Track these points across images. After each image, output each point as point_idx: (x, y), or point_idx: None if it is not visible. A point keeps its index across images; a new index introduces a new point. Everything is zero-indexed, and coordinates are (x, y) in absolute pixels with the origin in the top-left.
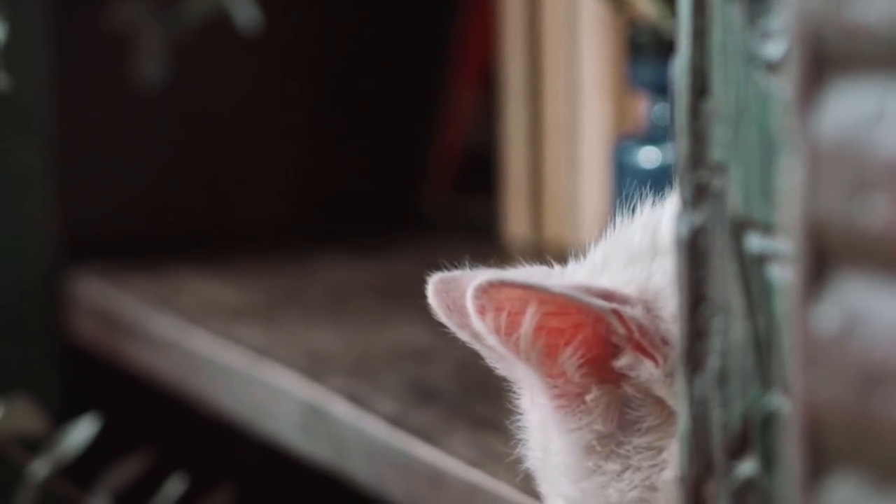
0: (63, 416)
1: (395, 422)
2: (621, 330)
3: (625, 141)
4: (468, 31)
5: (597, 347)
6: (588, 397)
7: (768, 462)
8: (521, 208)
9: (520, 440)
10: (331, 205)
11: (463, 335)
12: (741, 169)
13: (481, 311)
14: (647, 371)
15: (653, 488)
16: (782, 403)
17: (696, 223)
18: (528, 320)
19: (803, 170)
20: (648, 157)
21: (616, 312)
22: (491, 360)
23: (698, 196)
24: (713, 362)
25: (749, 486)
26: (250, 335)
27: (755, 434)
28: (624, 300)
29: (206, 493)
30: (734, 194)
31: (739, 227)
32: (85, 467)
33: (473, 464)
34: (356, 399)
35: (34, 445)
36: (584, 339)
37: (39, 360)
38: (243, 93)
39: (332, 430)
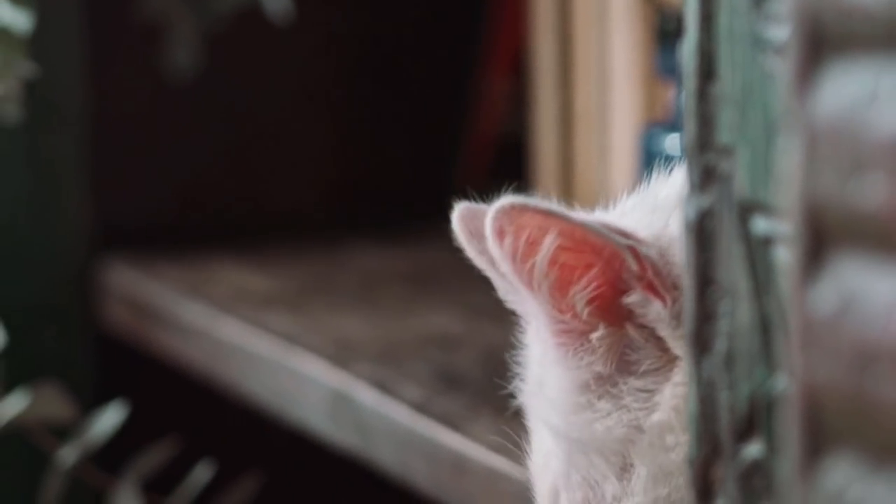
0: (96, 404)
1: (420, 408)
2: (635, 267)
3: (653, 128)
4: (500, 20)
5: (607, 286)
6: (593, 336)
7: (774, 445)
8: (551, 195)
9: (517, 374)
10: (362, 193)
11: (480, 262)
12: (748, 152)
13: (499, 235)
14: (656, 311)
15: (639, 429)
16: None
17: (703, 206)
18: (546, 248)
19: (801, 151)
20: (676, 143)
21: (632, 249)
22: (502, 291)
23: (706, 179)
24: (720, 345)
25: (755, 468)
26: (279, 323)
27: (761, 416)
28: (640, 240)
29: (235, 479)
30: (741, 177)
31: (746, 210)
32: (118, 454)
33: (496, 450)
34: (382, 386)
35: (63, 432)
36: (595, 275)
37: (73, 348)
38: (275, 82)
39: (358, 416)
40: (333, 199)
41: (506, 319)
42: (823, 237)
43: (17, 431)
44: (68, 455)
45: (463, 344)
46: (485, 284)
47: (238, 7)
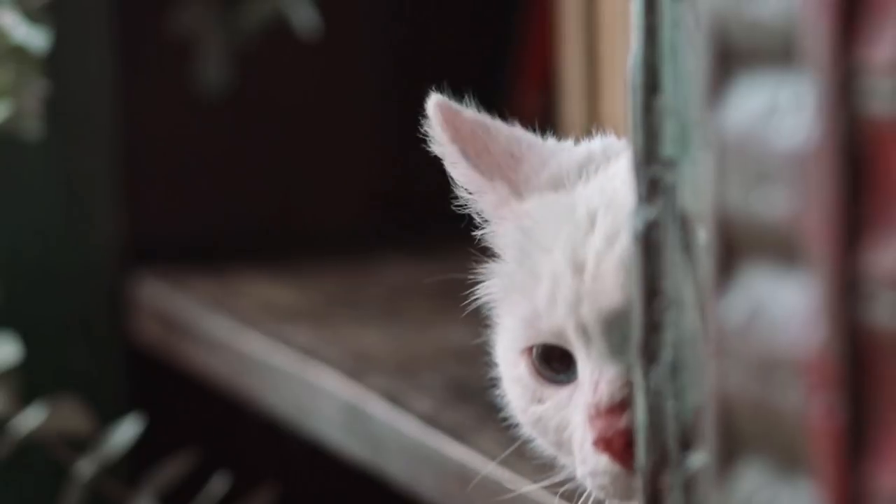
0: (124, 417)
1: (430, 420)
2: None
3: None
4: (530, 37)
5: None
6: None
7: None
8: None
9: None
10: (393, 207)
11: (449, 152)
12: (689, 164)
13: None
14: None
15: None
16: (703, 394)
17: (650, 217)
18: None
19: (712, 163)
20: None
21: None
22: (465, 192)
23: (652, 191)
24: (667, 355)
25: (699, 477)
26: (300, 336)
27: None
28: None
29: (252, 490)
30: (683, 189)
31: (689, 222)
32: (144, 465)
33: (502, 462)
34: (394, 398)
35: (83, 445)
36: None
37: (103, 362)
38: (305, 96)
39: (370, 428)
40: (364, 212)
41: None
42: (733, 247)
43: (36, 444)
44: (86, 467)
45: (480, 357)
46: None
47: (266, 23)
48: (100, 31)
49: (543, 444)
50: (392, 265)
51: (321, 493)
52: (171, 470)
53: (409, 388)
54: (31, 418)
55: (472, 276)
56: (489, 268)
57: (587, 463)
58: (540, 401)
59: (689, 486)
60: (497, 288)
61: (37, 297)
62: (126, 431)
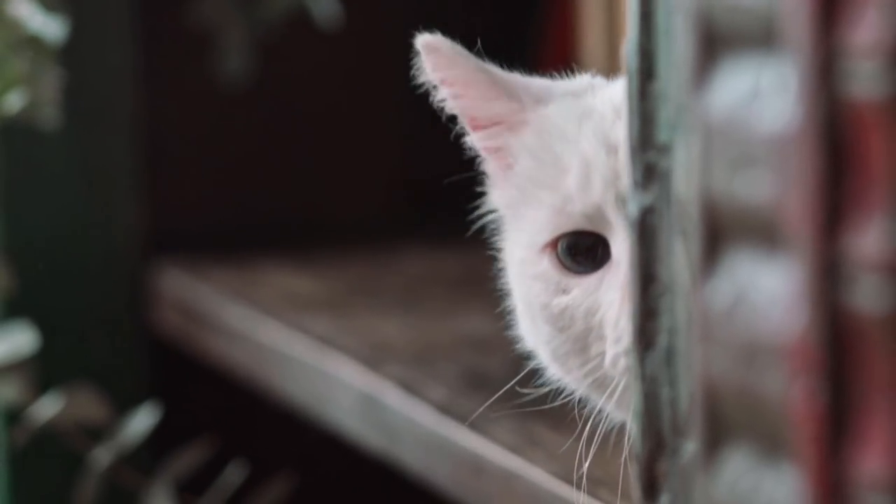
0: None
1: (443, 409)
2: None
3: None
4: (552, 26)
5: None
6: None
7: None
8: None
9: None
10: (414, 196)
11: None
12: (684, 149)
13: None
14: None
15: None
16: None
17: (645, 203)
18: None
19: (697, 146)
20: None
21: None
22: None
23: (647, 177)
24: (662, 341)
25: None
26: (319, 326)
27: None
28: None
29: (269, 480)
30: (678, 174)
31: (683, 207)
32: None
33: (514, 450)
34: (409, 387)
35: (100, 434)
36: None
37: (123, 352)
38: (326, 86)
39: (386, 417)
40: (384, 202)
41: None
42: (718, 232)
43: (53, 433)
44: (103, 456)
45: (497, 346)
46: None
47: (287, 13)
48: (120, 21)
49: (562, 344)
50: (412, 255)
51: (337, 483)
52: (188, 459)
53: (425, 378)
54: (49, 407)
55: (491, 266)
56: (492, 188)
57: (622, 340)
58: (565, 291)
59: (684, 474)
60: (507, 198)
61: (57, 287)
62: (143, 420)
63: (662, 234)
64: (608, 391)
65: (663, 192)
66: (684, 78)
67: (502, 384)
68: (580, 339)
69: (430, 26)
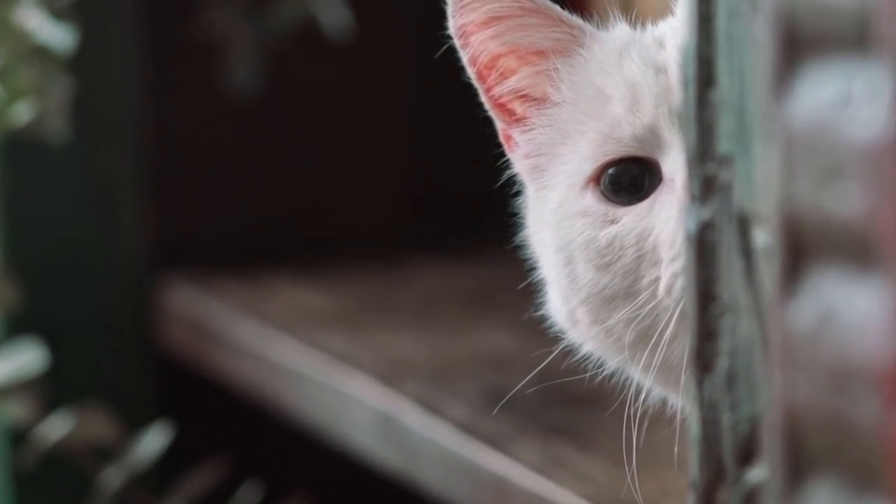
0: (152, 426)
1: (465, 429)
2: None
3: None
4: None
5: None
6: None
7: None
8: None
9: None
10: (428, 210)
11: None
12: (746, 161)
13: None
14: None
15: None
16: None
17: (704, 218)
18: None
19: (778, 158)
20: None
21: None
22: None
23: (706, 190)
24: (722, 363)
25: (758, 492)
26: (333, 342)
27: (763, 438)
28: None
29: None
30: (739, 188)
31: (745, 222)
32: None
33: (539, 471)
34: (428, 406)
35: (110, 454)
36: None
37: (131, 369)
38: (336, 98)
39: (404, 437)
40: (398, 216)
41: (563, 340)
42: (802, 249)
43: (63, 453)
44: (114, 476)
45: (516, 363)
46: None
47: (296, 24)
48: (127, 32)
49: (607, 285)
50: (426, 269)
51: (354, 503)
52: (201, 479)
53: (445, 396)
54: (58, 426)
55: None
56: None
57: (679, 259)
58: (613, 221)
59: (747, 503)
60: (545, 138)
61: (64, 303)
62: (154, 440)
63: (723, 251)
64: (656, 336)
65: (724, 207)
66: (758, 85)
67: (524, 402)
68: (630, 272)
69: (440, 37)
